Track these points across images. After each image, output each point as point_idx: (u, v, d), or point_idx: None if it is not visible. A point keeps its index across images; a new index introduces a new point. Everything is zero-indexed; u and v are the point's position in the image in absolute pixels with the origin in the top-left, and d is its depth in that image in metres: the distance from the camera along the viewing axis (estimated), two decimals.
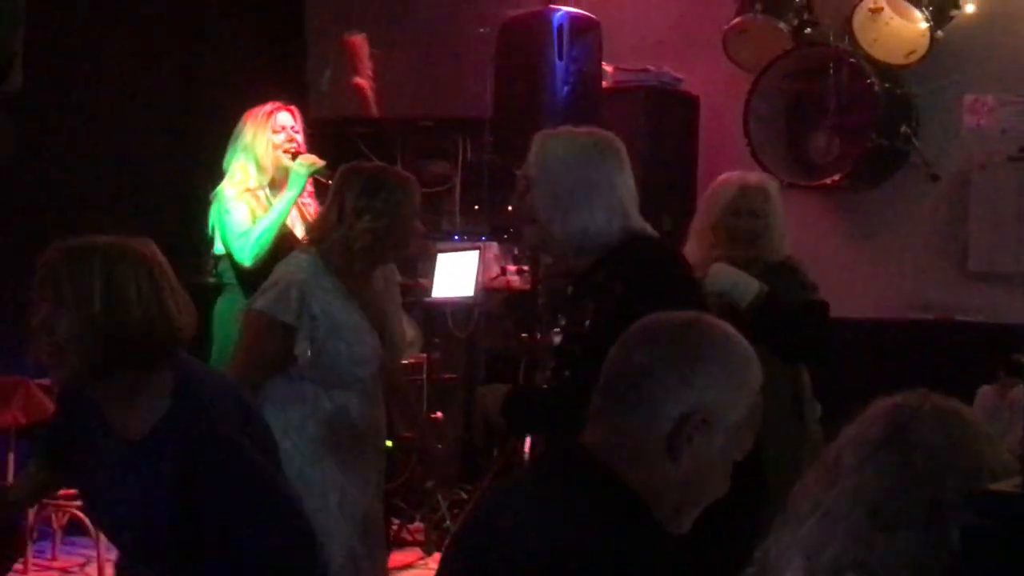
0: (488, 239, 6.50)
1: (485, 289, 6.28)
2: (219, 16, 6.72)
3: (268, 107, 4.70)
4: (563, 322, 3.01)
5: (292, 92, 6.53)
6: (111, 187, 6.17)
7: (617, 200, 2.90)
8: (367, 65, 6.80)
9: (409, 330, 5.29)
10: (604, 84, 5.71)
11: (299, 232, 4.49)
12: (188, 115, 6.26)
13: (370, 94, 6.81)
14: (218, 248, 4.65)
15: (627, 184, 2.96)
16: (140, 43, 6.27)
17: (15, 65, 3.45)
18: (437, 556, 5.53)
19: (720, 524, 1.87)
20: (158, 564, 2.36)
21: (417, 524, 6.02)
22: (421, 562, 5.73)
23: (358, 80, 6.80)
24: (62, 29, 5.58)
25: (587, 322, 2.82)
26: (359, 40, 6.81)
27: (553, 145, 2.98)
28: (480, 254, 6.19)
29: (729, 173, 3.94)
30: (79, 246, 2.29)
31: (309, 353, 3.33)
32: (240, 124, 4.71)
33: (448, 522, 5.88)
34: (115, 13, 6.16)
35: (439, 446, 5.94)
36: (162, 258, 2.33)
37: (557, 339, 3.09)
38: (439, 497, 5.95)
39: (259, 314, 3.35)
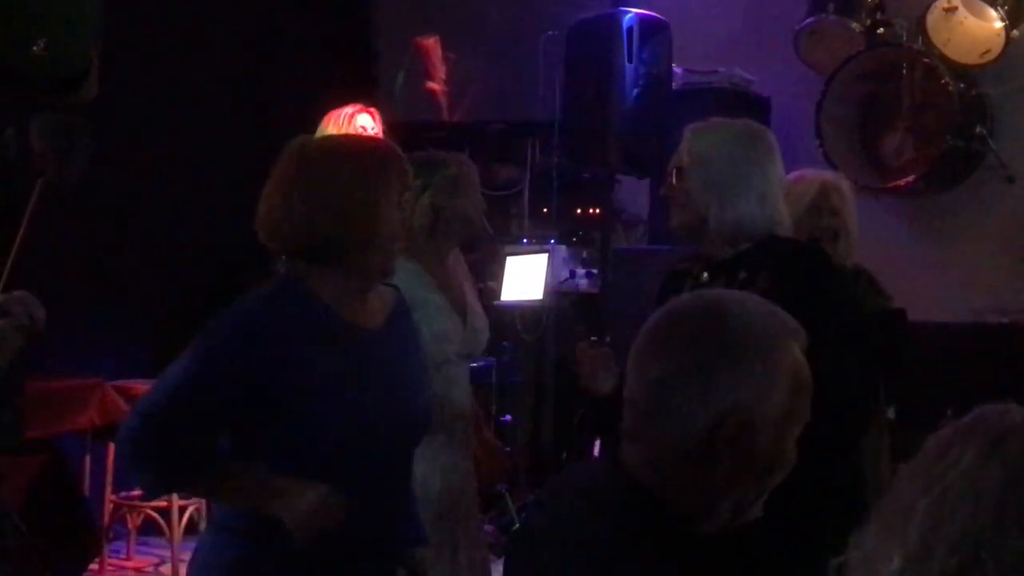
0: (557, 242, 6.50)
1: (554, 292, 6.27)
2: (290, 22, 6.79)
3: (349, 109, 4.74)
4: None
5: (363, 96, 6.59)
6: (185, 194, 6.25)
7: (770, 191, 2.93)
8: (440, 68, 6.82)
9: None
10: (674, 86, 5.69)
11: None
12: (261, 121, 6.32)
13: (443, 98, 6.84)
14: None
15: (779, 175, 3.00)
16: (213, 50, 6.34)
17: (91, 74, 3.50)
18: None
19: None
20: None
21: (488, 527, 6.03)
22: (492, 564, 5.73)
23: (431, 84, 6.83)
24: (136, 38, 5.65)
25: None
26: (432, 43, 6.83)
27: (709, 135, 2.98)
28: (549, 257, 6.19)
29: (802, 171, 3.87)
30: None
31: None
32: (320, 127, 4.75)
33: (518, 525, 5.88)
34: (188, 22, 6.23)
35: (508, 450, 5.95)
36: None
37: None
38: (509, 500, 5.96)
39: None
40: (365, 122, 4.72)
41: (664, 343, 1.63)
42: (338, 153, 2.54)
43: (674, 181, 2.96)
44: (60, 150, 4.46)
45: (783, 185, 3.05)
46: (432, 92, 6.81)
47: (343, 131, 4.65)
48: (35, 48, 3.27)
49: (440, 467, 3.43)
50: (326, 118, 4.71)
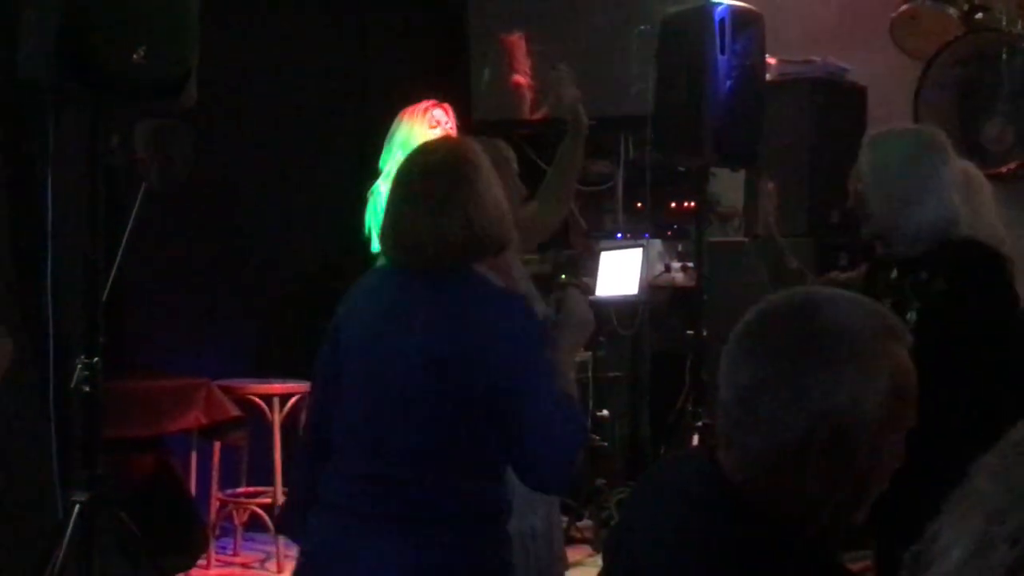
0: (652, 236, 6.48)
1: (650, 286, 6.26)
2: (384, 24, 6.85)
3: (424, 104, 4.84)
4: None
5: (456, 95, 6.64)
6: (286, 197, 6.34)
7: (947, 194, 3.08)
8: (525, 64, 6.83)
9: None
10: (768, 77, 5.63)
11: None
12: (357, 122, 6.39)
13: (528, 93, 6.84)
14: (377, 246, 4.76)
15: (955, 175, 3.15)
16: (308, 53, 6.42)
17: (190, 81, 3.56)
18: None
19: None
20: None
21: (586, 522, 6.04)
22: (591, 559, 5.74)
23: (517, 78, 6.84)
24: (234, 44, 5.74)
25: (910, 315, 2.96)
26: (517, 39, 6.84)
27: (883, 146, 3.17)
28: (643, 252, 6.17)
29: None
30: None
31: None
32: (396, 122, 4.85)
33: (616, 520, 5.88)
34: (282, 26, 6.32)
35: (605, 444, 5.94)
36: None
37: None
38: (608, 494, 5.96)
39: None
40: (440, 116, 4.86)
41: (753, 347, 1.58)
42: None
43: (856, 193, 3.18)
44: (162, 156, 4.57)
45: (958, 181, 3.19)
46: (518, 87, 6.82)
47: (419, 124, 4.77)
48: (135, 56, 3.33)
49: None
50: (401, 114, 4.82)
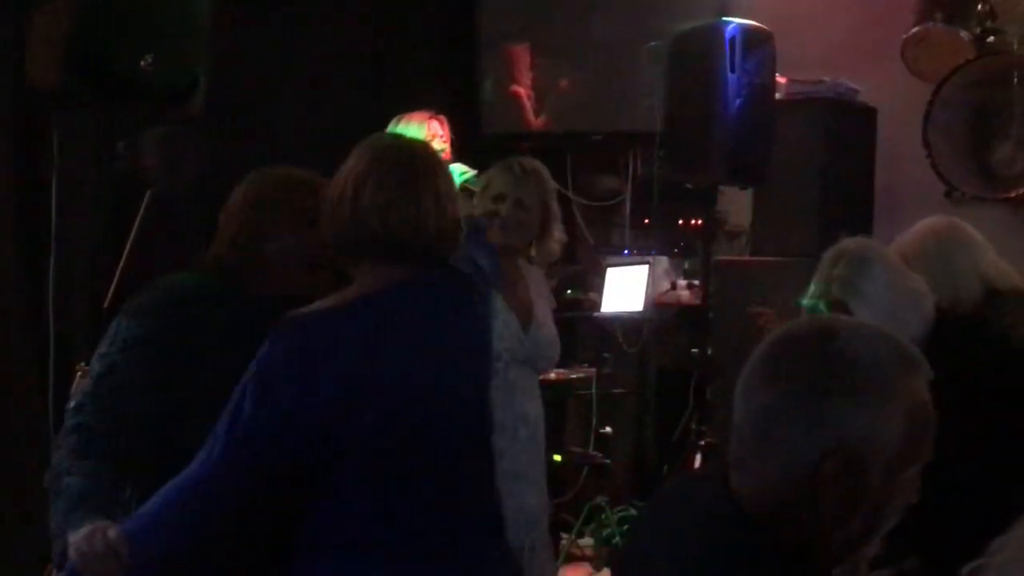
0: (658, 253, 6.46)
1: (655, 304, 6.24)
2: (397, 32, 6.84)
3: (422, 114, 4.86)
4: None
5: (466, 107, 6.64)
6: None
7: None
8: (526, 75, 6.82)
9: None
10: (778, 96, 5.62)
11: None
12: (367, 132, 6.37)
13: (527, 103, 6.83)
14: None
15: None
16: (317, 62, 6.41)
17: (198, 89, 3.56)
18: (607, 573, 5.51)
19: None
20: None
21: (587, 540, 6.01)
22: None
23: (515, 88, 6.83)
24: (243, 53, 5.74)
25: None
26: (521, 49, 6.83)
27: None
28: (650, 268, 6.16)
29: None
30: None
31: None
32: (392, 126, 4.88)
33: (618, 538, 5.85)
34: (292, 35, 6.31)
35: (608, 461, 5.93)
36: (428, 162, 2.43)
37: None
38: (610, 513, 5.93)
39: None
40: (436, 128, 4.98)
41: (771, 370, 1.56)
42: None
43: None
44: (169, 163, 4.56)
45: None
46: (516, 96, 6.81)
47: (416, 133, 4.87)
48: (143, 63, 3.33)
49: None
50: (399, 118, 4.89)
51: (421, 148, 2.52)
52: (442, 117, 4.95)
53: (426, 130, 4.90)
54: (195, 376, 2.48)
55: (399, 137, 2.50)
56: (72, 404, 2.54)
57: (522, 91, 6.81)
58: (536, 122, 6.84)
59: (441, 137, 4.90)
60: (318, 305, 2.29)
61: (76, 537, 2.30)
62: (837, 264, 2.99)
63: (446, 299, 2.40)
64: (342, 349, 2.23)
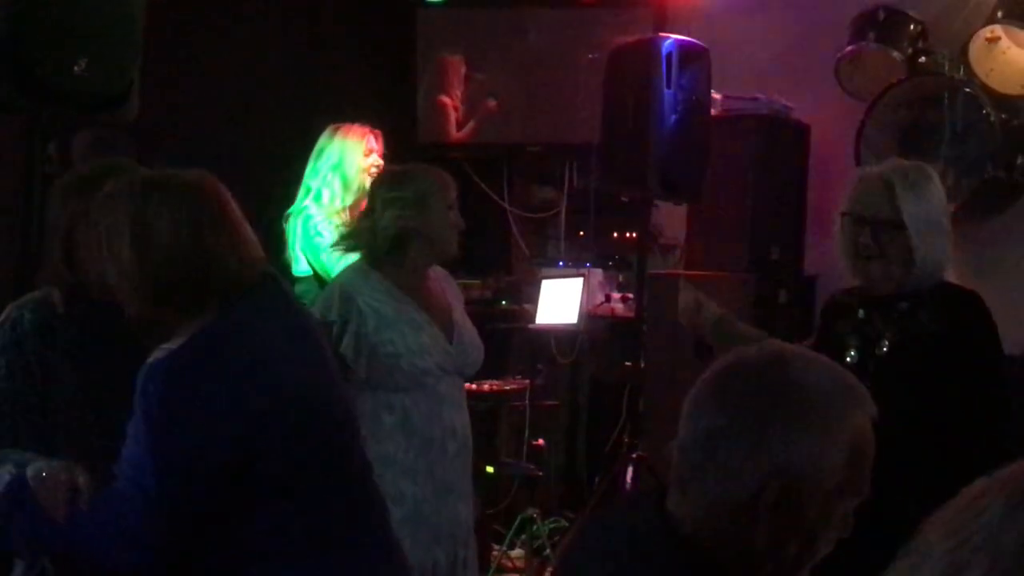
0: (593, 266, 6.48)
1: (589, 316, 6.26)
2: (335, 39, 6.81)
3: (361, 128, 4.83)
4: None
5: (400, 116, 6.61)
6: None
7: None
8: (457, 87, 6.80)
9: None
10: (713, 112, 5.67)
11: None
12: (302, 139, 6.35)
13: (453, 114, 6.82)
14: (302, 269, 4.72)
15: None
16: (253, 68, 6.37)
17: (132, 93, 3.53)
18: None
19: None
20: None
21: (518, 551, 6.01)
22: None
23: (442, 98, 6.81)
24: (178, 58, 5.69)
25: (882, 344, 2.99)
26: (455, 61, 6.82)
27: (912, 191, 3.10)
28: (585, 281, 6.18)
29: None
30: (114, 186, 2.29)
31: (353, 352, 3.35)
32: (326, 139, 4.82)
33: (548, 550, 5.85)
34: (229, 40, 6.27)
35: (540, 473, 5.94)
36: (220, 194, 2.30)
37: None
38: (541, 524, 5.93)
39: None
40: (373, 144, 4.90)
41: (719, 393, 1.58)
42: None
43: (878, 238, 3.06)
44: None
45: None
46: (442, 107, 6.80)
47: (354, 148, 4.84)
48: (77, 68, 3.29)
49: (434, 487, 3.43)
50: (334, 129, 4.86)
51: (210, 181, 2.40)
52: (378, 132, 4.92)
53: (364, 144, 4.85)
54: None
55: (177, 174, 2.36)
56: None
57: (447, 102, 6.80)
58: (469, 132, 6.83)
59: (376, 152, 4.88)
60: (174, 343, 2.23)
61: (41, 466, 2.25)
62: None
63: (288, 313, 2.40)
64: (232, 368, 2.21)
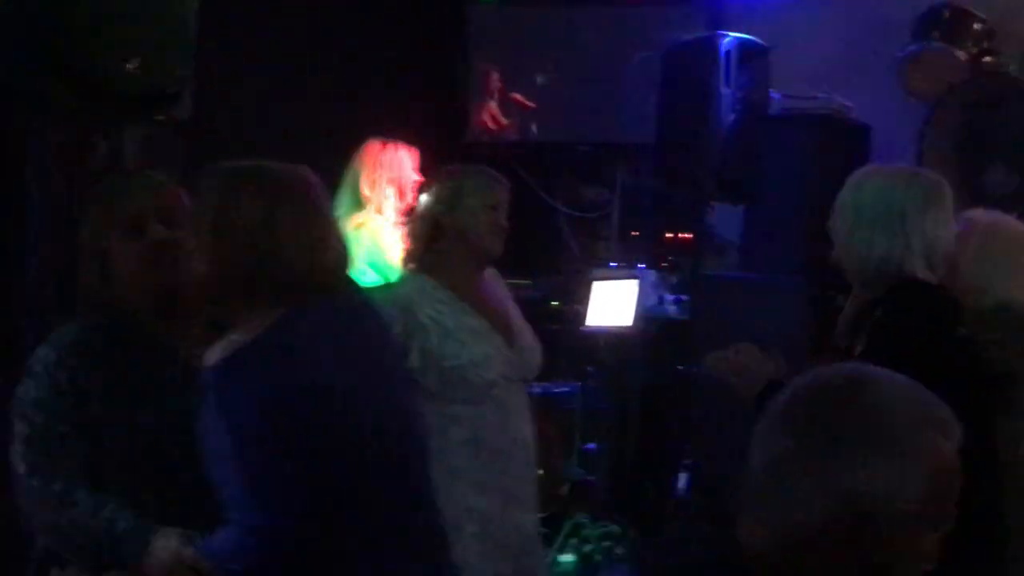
0: (646, 267, 6.39)
1: (642, 318, 6.16)
2: (384, 42, 6.77)
3: (382, 142, 5.07)
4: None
5: (449, 116, 6.57)
6: None
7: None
8: (513, 85, 6.80)
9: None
10: (771, 111, 5.58)
11: None
12: (352, 140, 6.33)
13: (499, 113, 6.84)
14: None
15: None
16: (305, 72, 6.35)
17: (185, 92, 3.50)
18: None
19: None
20: None
21: (567, 556, 5.94)
22: None
23: (496, 99, 6.83)
24: (231, 57, 5.67)
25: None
26: (508, 59, 6.86)
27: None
28: (640, 282, 6.08)
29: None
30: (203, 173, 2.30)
31: (421, 366, 3.27)
32: (356, 159, 5.08)
33: (599, 556, 5.78)
34: (281, 45, 6.25)
35: (592, 478, 5.87)
36: (310, 190, 2.27)
37: None
38: (590, 529, 5.87)
39: None
40: (401, 156, 5.11)
41: (791, 416, 1.50)
42: None
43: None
44: (151, 166, 4.48)
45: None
46: (498, 106, 6.82)
47: (374, 163, 5.05)
48: (129, 66, 3.27)
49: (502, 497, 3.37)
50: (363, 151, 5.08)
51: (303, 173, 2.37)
52: (415, 149, 5.11)
53: (411, 161, 5.04)
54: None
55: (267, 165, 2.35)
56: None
57: (494, 104, 6.80)
58: (521, 132, 6.81)
59: (394, 164, 5.11)
60: (237, 338, 2.19)
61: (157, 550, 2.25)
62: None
63: (359, 314, 2.37)
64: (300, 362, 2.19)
